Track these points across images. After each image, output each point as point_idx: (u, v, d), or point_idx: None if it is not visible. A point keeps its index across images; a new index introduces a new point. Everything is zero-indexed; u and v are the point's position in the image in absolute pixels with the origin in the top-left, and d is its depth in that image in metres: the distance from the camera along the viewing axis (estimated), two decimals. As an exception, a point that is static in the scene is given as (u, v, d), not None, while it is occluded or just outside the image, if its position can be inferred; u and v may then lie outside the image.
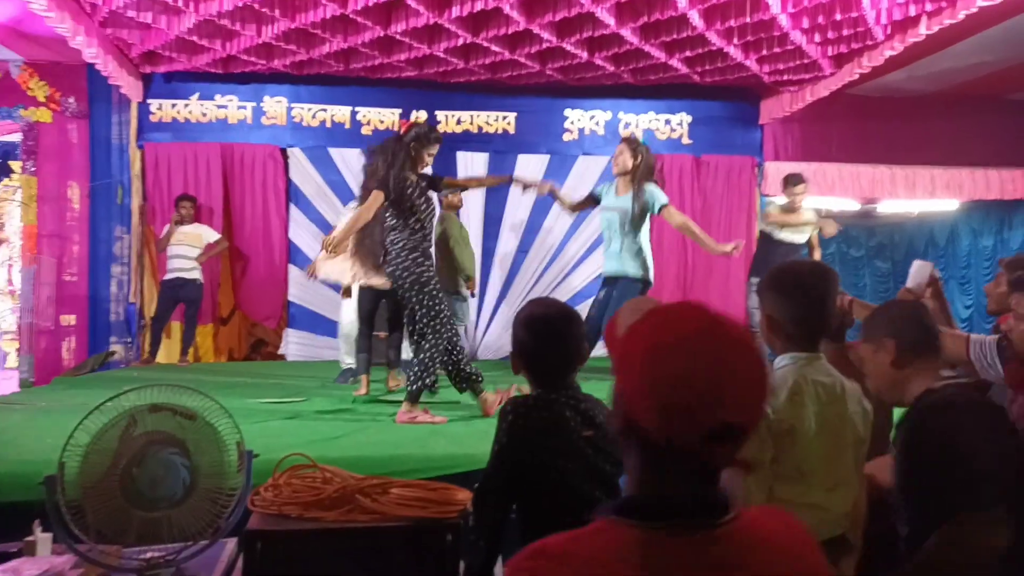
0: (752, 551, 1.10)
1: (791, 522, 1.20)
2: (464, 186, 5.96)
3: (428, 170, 4.97)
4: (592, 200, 5.95)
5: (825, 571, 1.20)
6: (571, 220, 8.37)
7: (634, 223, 5.68)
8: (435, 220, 5.03)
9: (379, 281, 5.26)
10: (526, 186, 5.69)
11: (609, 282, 5.89)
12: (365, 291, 5.87)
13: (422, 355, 4.65)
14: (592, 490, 2.15)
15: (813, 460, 1.99)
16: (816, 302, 2.12)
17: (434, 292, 4.72)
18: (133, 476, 2.36)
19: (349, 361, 6.33)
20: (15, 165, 8.54)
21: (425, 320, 4.68)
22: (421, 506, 2.60)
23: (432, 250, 4.95)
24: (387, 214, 4.81)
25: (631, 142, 5.57)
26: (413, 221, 4.77)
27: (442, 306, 4.73)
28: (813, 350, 2.11)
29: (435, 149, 4.89)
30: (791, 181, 6.95)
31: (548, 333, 2.35)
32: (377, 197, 4.67)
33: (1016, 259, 3.34)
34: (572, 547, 1.10)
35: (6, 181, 9.11)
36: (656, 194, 5.59)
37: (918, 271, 3.48)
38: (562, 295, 8.48)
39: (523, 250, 8.67)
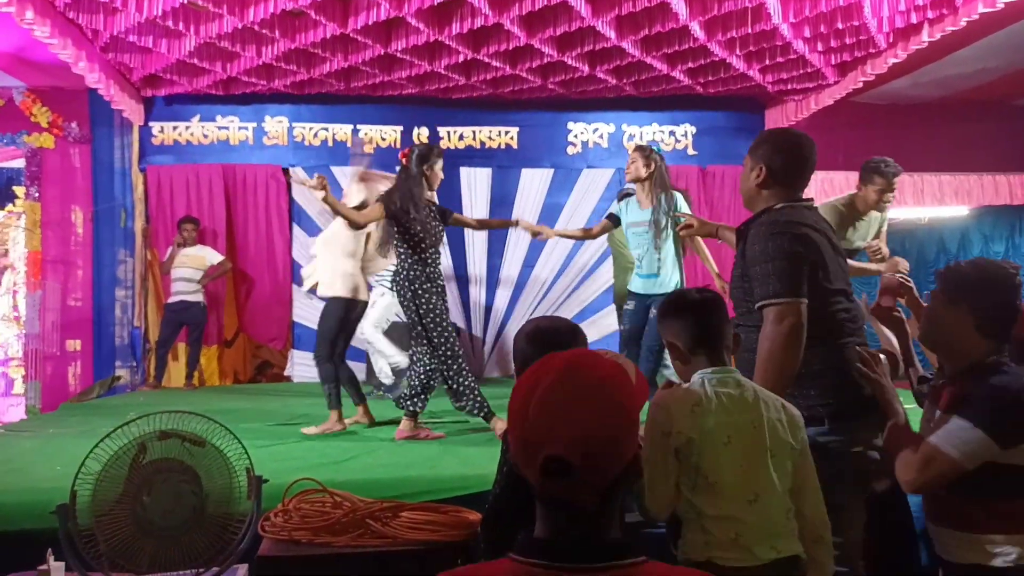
0: None
1: None
2: (471, 225, 5.84)
3: (435, 197, 4.99)
4: (611, 221, 5.61)
5: None
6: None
7: (666, 233, 5.30)
8: (441, 246, 5.02)
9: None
10: (534, 234, 5.62)
11: (646, 299, 5.33)
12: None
13: (456, 387, 4.83)
14: None
15: (724, 471, 2.02)
16: (705, 315, 2.22)
17: (433, 324, 4.81)
18: (144, 504, 2.37)
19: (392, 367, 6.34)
20: (19, 191, 8.54)
21: (436, 353, 4.82)
22: (432, 529, 2.58)
23: (438, 274, 4.98)
24: (396, 240, 4.86)
25: (643, 149, 5.43)
26: (416, 245, 4.81)
27: (442, 338, 4.82)
28: (720, 362, 2.18)
29: (440, 162, 4.95)
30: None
31: (555, 346, 2.32)
32: (376, 208, 4.80)
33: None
34: (468, 573, 1.26)
35: (10, 207, 9.12)
36: (682, 205, 5.37)
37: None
38: (570, 309, 8.45)
39: (529, 265, 8.64)
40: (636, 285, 5.39)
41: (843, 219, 5.00)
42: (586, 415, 1.17)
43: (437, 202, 5.05)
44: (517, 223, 5.70)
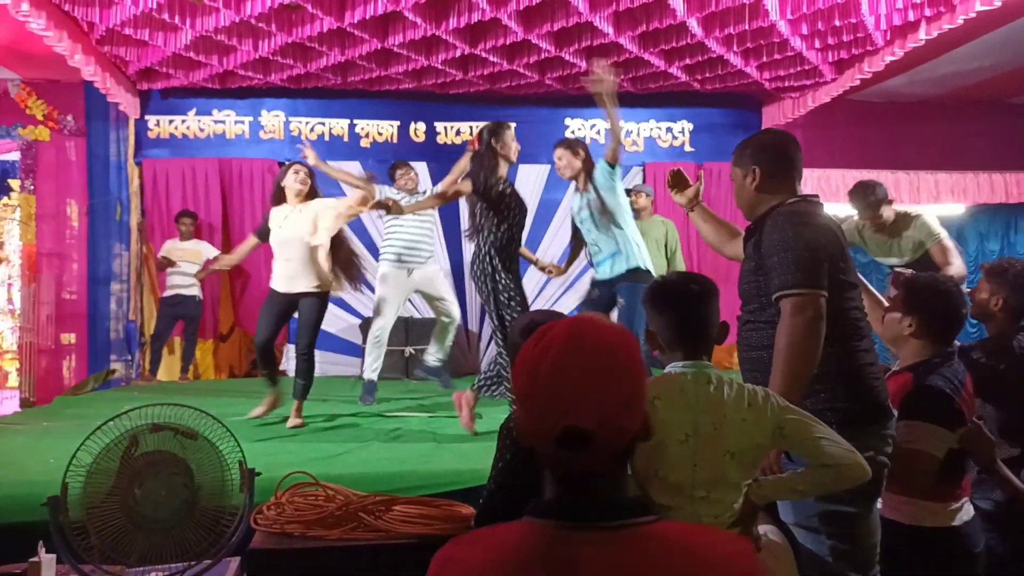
0: (633, 558, 1.14)
1: (727, 548, 1.19)
2: None
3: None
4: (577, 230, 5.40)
5: None
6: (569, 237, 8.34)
7: (609, 211, 5.04)
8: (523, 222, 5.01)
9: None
10: (541, 268, 5.67)
11: (611, 285, 5.14)
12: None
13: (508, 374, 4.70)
14: None
15: (674, 469, 1.99)
16: (688, 312, 2.14)
17: (501, 302, 4.77)
18: (135, 496, 2.36)
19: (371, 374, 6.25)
20: (14, 184, 8.53)
21: (500, 330, 4.80)
22: (425, 523, 2.58)
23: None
24: (480, 215, 4.85)
25: (567, 143, 5.20)
26: (505, 218, 4.81)
27: (508, 318, 4.76)
28: (696, 357, 2.12)
29: (510, 133, 4.90)
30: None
31: None
32: (465, 184, 4.84)
33: (997, 262, 3.39)
34: (484, 533, 1.27)
35: (5, 200, 9.11)
36: (601, 165, 5.07)
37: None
38: (567, 304, 8.44)
39: (524, 263, 8.61)
40: (599, 273, 5.20)
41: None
42: (599, 382, 1.17)
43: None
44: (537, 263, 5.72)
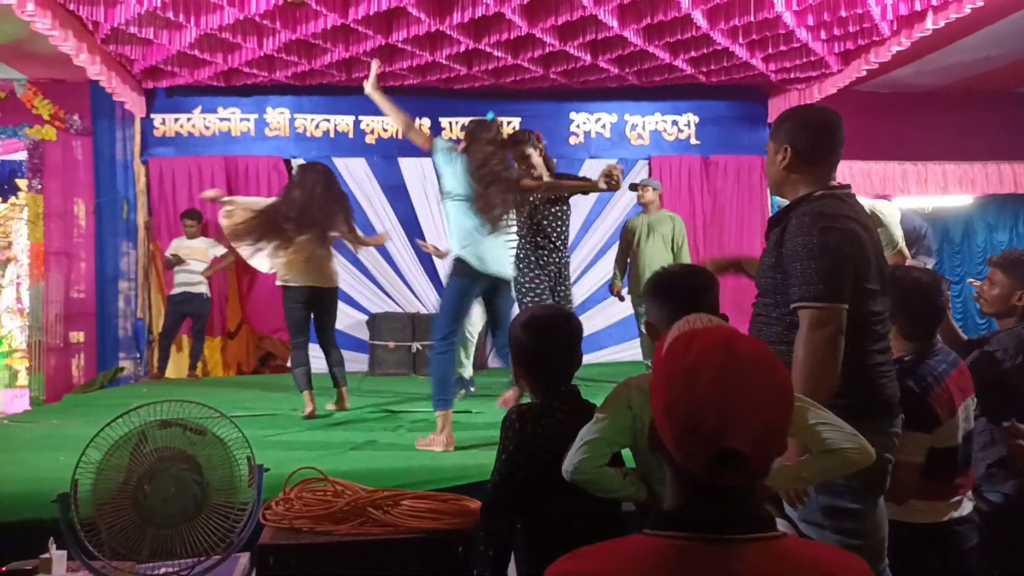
0: (774, 570, 1.12)
1: (846, 560, 1.20)
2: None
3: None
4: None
5: None
6: (579, 225, 8.35)
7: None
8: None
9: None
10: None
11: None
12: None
13: None
14: (595, 497, 2.13)
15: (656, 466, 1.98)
16: (690, 306, 2.09)
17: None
18: (145, 492, 2.37)
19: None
20: (21, 183, 8.55)
21: None
22: (433, 518, 2.58)
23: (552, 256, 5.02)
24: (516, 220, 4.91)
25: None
26: (534, 227, 4.92)
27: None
28: None
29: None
30: None
31: (549, 334, 2.35)
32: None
33: (1009, 254, 3.33)
34: (600, 547, 1.20)
35: (12, 200, 9.12)
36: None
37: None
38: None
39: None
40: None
41: None
42: (758, 402, 1.12)
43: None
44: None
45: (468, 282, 4.16)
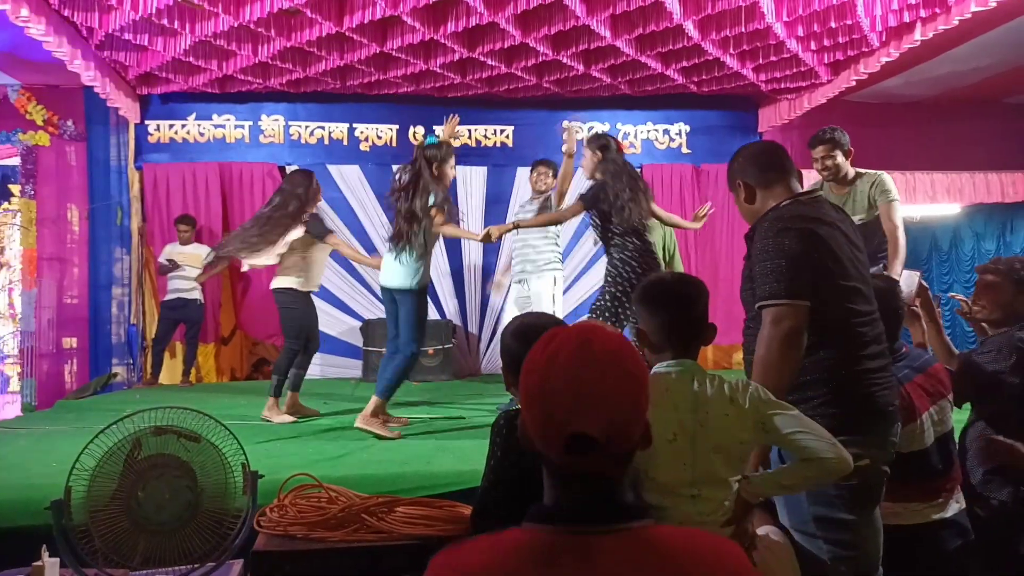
0: (639, 560, 1.15)
1: (717, 544, 1.23)
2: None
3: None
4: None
5: None
6: (571, 233, 8.38)
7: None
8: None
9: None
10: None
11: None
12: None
13: None
14: None
15: (663, 469, 2.00)
16: (680, 315, 2.15)
17: (613, 314, 4.93)
18: (139, 499, 2.37)
19: None
20: (14, 189, 8.55)
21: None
22: (426, 524, 2.60)
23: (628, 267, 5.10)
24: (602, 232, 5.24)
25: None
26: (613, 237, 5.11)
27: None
28: (684, 356, 2.13)
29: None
30: None
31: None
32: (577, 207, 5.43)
33: (1010, 260, 3.29)
34: (481, 539, 1.25)
35: (5, 205, 9.13)
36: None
37: (907, 280, 3.48)
38: (564, 307, 8.45)
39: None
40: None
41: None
42: (607, 389, 1.18)
43: None
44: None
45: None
